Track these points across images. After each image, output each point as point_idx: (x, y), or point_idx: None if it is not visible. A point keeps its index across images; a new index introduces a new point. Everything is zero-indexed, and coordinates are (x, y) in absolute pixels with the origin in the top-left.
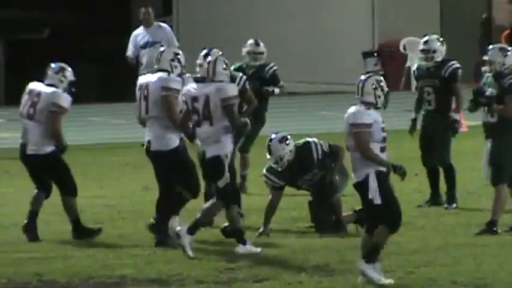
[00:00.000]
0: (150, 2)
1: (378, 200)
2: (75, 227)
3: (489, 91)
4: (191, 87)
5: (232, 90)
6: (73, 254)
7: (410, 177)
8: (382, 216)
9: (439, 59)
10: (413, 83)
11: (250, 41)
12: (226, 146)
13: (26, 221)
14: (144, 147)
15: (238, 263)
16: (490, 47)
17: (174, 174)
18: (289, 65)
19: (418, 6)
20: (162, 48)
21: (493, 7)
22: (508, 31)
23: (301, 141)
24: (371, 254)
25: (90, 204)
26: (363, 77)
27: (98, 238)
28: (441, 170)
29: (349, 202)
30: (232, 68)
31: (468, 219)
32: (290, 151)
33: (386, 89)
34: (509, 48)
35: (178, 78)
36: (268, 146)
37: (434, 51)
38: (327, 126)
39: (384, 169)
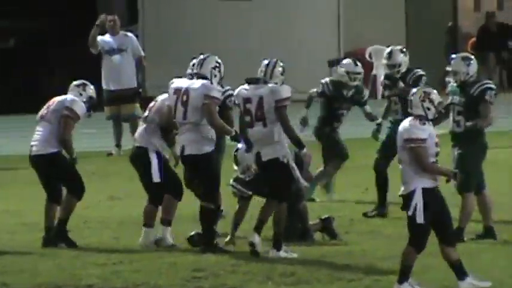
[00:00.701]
0: (115, 11)
1: (420, 220)
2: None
3: (455, 99)
4: (243, 88)
5: (286, 92)
6: (40, 263)
7: (372, 187)
8: (438, 234)
9: (403, 70)
10: (379, 91)
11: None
12: (284, 147)
13: (44, 236)
14: (179, 152)
15: (205, 272)
16: (453, 56)
17: (204, 178)
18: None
19: (384, 15)
20: (203, 56)
21: (458, 15)
22: (474, 39)
23: None
24: (458, 271)
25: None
26: (414, 90)
27: (65, 248)
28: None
29: (316, 210)
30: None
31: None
32: None
33: (437, 100)
34: (472, 57)
35: (220, 87)
36: (235, 156)
37: (400, 65)
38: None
39: (433, 185)
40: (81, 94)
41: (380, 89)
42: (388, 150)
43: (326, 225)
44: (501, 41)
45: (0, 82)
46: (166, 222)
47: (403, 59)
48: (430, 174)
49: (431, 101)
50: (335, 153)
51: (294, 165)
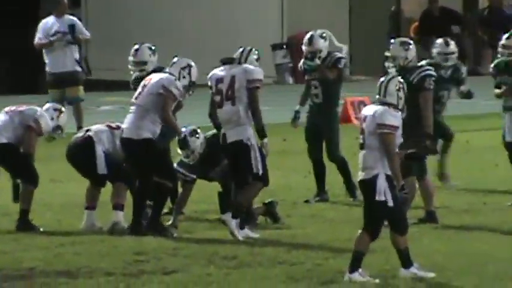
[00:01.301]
0: None
1: (390, 202)
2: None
3: None
4: (218, 70)
5: (259, 74)
6: None
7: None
8: (391, 220)
9: (324, 54)
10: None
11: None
12: (248, 130)
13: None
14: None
15: (147, 256)
16: (392, 41)
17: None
18: (195, 56)
19: None
20: (176, 58)
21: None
22: (416, 23)
23: (210, 133)
24: (404, 259)
25: None
26: (384, 78)
27: (5, 230)
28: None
29: (259, 195)
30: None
31: None
32: (201, 144)
33: (405, 90)
34: (411, 42)
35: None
36: (178, 140)
37: (320, 51)
38: None
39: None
40: (184, 77)
41: None
42: (315, 136)
43: (269, 209)
44: (444, 25)
45: None
46: (120, 206)
47: (323, 45)
48: (389, 163)
49: (404, 92)
50: (441, 135)
51: (257, 148)
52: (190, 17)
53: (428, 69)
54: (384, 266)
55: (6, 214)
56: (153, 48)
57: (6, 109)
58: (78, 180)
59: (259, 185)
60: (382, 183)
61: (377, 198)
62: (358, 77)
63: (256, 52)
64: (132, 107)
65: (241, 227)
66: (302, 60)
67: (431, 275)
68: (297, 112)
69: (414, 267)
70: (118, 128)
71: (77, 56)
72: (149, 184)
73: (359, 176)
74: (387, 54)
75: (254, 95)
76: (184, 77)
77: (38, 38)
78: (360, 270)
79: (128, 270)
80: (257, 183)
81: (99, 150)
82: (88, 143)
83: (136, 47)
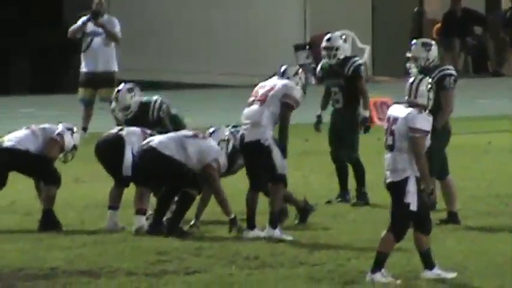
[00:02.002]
0: None
1: (414, 207)
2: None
3: None
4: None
5: (298, 94)
6: (3, 246)
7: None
8: (416, 220)
9: (341, 56)
10: None
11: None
12: (267, 132)
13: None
14: None
15: (169, 256)
16: (413, 42)
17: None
18: (219, 57)
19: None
20: (215, 127)
21: (424, 0)
22: (439, 24)
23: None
24: (427, 260)
25: (21, 196)
26: (414, 79)
27: (28, 230)
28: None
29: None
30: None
31: None
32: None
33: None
34: (432, 43)
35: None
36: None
37: (337, 49)
38: None
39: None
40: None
41: None
42: (338, 139)
43: (306, 208)
44: (466, 26)
45: None
46: (142, 211)
47: (342, 45)
48: (418, 166)
49: (434, 92)
50: None
51: (276, 150)
52: (214, 18)
53: (448, 69)
54: (405, 267)
55: (28, 214)
56: (132, 88)
57: (29, 126)
58: (101, 181)
59: (281, 187)
60: (411, 186)
61: (405, 200)
62: (381, 78)
63: (302, 76)
64: None
65: (252, 228)
66: (320, 65)
67: (453, 275)
68: (319, 116)
69: (437, 268)
70: (152, 135)
71: (114, 55)
72: (175, 191)
73: (387, 177)
74: (408, 55)
75: (286, 112)
76: (222, 149)
77: (75, 26)
78: (383, 270)
79: (150, 270)
80: (279, 186)
81: (128, 152)
82: (119, 142)
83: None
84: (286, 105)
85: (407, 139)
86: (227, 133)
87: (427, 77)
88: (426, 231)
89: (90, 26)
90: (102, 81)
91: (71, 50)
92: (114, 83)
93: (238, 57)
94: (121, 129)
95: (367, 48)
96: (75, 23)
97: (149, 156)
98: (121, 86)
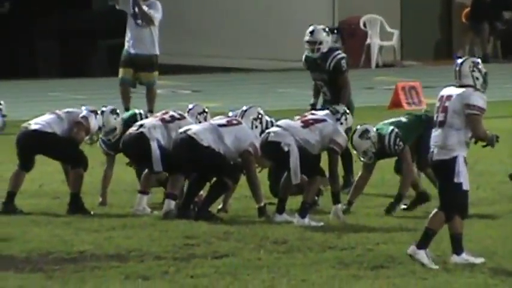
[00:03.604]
0: None
1: (466, 186)
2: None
3: None
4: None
5: (341, 138)
6: (31, 229)
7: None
8: (460, 203)
9: (324, 50)
10: (373, 60)
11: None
12: (289, 137)
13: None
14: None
15: (197, 239)
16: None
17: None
18: (248, 41)
19: None
20: (246, 107)
21: None
22: (468, 9)
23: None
24: (457, 244)
25: (49, 178)
26: (459, 61)
27: (56, 214)
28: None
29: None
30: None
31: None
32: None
33: (484, 70)
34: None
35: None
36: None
37: (320, 43)
38: (287, 102)
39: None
40: (256, 127)
41: (374, 57)
42: None
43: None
44: (495, 11)
45: None
46: (172, 196)
47: (325, 38)
48: (478, 138)
49: (479, 71)
50: None
51: (296, 156)
52: (245, 3)
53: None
54: (435, 251)
55: (56, 198)
56: (116, 111)
57: (53, 111)
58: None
59: (318, 180)
60: (461, 166)
61: (455, 180)
62: (409, 62)
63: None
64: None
65: (280, 212)
66: (304, 56)
67: (481, 260)
68: (313, 105)
69: (465, 253)
70: (172, 120)
71: (154, 39)
72: (208, 177)
73: (434, 155)
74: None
75: (335, 158)
76: (256, 127)
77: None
78: (427, 250)
79: (178, 254)
80: (316, 178)
81: (154, 147)
82: (142, 139)
83: (101, 120)
84: (332, 151)
85: (461, 116)
86: (259, 110)
87: (471, 58)
88: (463, 215)
89: (132, 7)
90: (142, 63)
91: (98, 34)
92: (154, 66)
93: (268, 41)
94: (141, 126)
95: (396, 33)
96: (104, 6)
97: (187, 146)
98: (103, 108)
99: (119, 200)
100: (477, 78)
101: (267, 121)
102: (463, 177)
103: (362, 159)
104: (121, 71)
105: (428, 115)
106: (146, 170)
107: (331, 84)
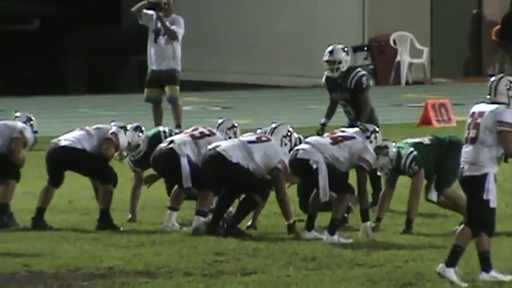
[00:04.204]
0: None
1: (493, 204)
2: None
3: None
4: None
5: (369, 155)
6: (60, 245)
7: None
8: (487, 221)
9: (344, 69)
10: (403, 78)
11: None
12: (318, 154)
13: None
14: None
15: (226, 256)
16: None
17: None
18: (279, 58)
19: (409, 2)
20: (275, 124)
21: (483, 2)
22: (498, 27)
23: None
24: (485, 262)
25: (79, 194)
26: (496, 78)
27: (85, 230)
28: None
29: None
30: None
31: (456, 214)
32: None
33: None
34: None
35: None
36: None
37: (340, 62)
38: (317, 119)
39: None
40: (285, 144)
41: (404, 75)
42: None
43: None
44: None
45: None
46: (202, 213)
47: (344, 57)
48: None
49: None
50: None
51: (324, 174)
52: (272, 18)
53: None
54: (464, 268)
55: (86, 213)
56: (141, 128)
57: (82, 127)
58: (159, 181)
59: (348, 197)
60: (491, 184)
61: (484, 197)
62: (439, 80)
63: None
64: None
65: (310, 229)
66: (324, 76)
67: (510, 277)
68: (323, 125)
69: (494, 270)
70: (202, 136)
71: (177, 54)
72: (237, 194)
73: (465, 171)
74: None
75: (364, 175)
76: (285, 144)
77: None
78: (456, 268)
79: (208, 270)
80: (346, 196)
81: (184, 164)
82: (172, 156)
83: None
84: (361, 169)
85: (493, 133)
86: (289, 128)
87: (508, 77)
88: (491, 232)
89: (155, 24)
90: (165, 78)
91: (129, 51)
92: (176, 81)
93: (298, 59)
94: (171, 142)
95: (426, 50)
96: (134, 23)
97: (216, 163)
98: (128, 126)
99: (148, 217)
100: (510, 97)
101: (296, 138)
102: (492, 194)
103: (378, 173)
104: (146, 90)
105: (452, 139)
106: (176, 187)
107: (353, 102)
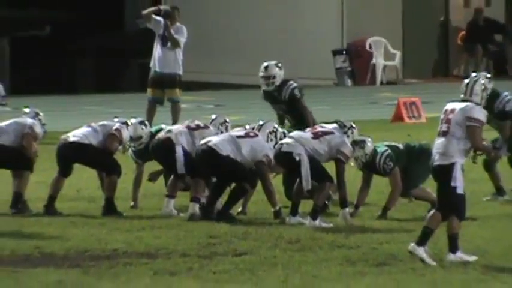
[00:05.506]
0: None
1: (460, 190)
2: None
3: None
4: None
5: (347, 149)
6: (69, 229)
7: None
8: (455, 205)
9: (278, 83)
10: (378, 78)
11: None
12: (300, 148)
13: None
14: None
15: (219, 239)
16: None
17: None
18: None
19: (382, 9)
20: (262, 121)
21: (450, 10)
22: (463, 32)
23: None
24: (453, 244)
25: (86, 184)
26: (470, 79)
27: (92, 216)
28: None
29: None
30: None
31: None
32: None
33: (489, 90)
34: (366, 139)
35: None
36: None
37: (274, 77)
38: None
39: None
40: (271, 140)
41: (379, 76)
42: None
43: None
44: (488, 34)
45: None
46: (196, 199)
47: (278, 72)
48: (476, 148)
49: (487, 92)
50: None
51: (306, 165)
52: (258, 26)
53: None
54: (432, 249)
55: (92, 201)
56: (145, 122)
57: (89, 124)
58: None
59: (328, 185)
60: (458, 173)
61: (452, 184)
62: (410, 80)
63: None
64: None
65: (294, 215)
66: (262, 90)
67: (474, 258)
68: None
69: (460, 251)
70: (197, 128)
71: (178, 59)
72: (228, 182)
73: (435, 160)
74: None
75: (341, 167)
76: (271, 140)
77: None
78: (426, 247)
79: (202, 251)
80: (326, 184)
81: (179, 152)
82: (168, 144)
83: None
84: (340, 161)
85: (462, 127)
86: (275, 125)
87: (483, 78)
88: (460, 216)
89: (163, 29)
90: (167, 81)
91: (130, 53)
92: (177, 84)
93: (285, 61)
94: (169, 131)
95: (398, 54)
96: (135, 27)
97: (208, 156)
98: (133, 120)
99: (148, 204)
100: (483, 98)
101: (280, 133)
102: (459, 181)
103: (351, 164)
104: (149, 90)
105: (423, 146)
106: (173, 176)
107: (291, 112)
